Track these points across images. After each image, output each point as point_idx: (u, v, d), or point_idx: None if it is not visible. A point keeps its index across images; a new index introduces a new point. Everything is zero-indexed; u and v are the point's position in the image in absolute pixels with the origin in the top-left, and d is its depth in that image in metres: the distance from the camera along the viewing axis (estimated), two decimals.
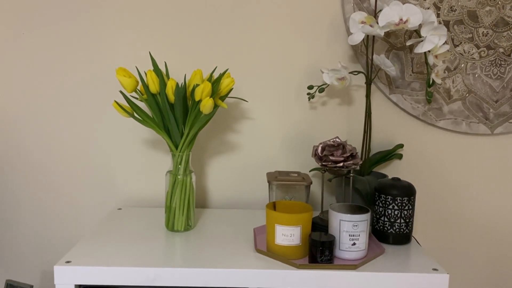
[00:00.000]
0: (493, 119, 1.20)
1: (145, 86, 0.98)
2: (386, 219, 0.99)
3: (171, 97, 0.98)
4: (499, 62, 1.18)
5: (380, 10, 1.02)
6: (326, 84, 1.12)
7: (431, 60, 1.03)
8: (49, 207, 1.24)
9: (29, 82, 1.19)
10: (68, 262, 0.86)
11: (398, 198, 0.98)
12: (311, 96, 1.16)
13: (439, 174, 1.24)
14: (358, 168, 1.14)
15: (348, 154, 0.99)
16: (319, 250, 0.86)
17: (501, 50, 1.17)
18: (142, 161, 1.23)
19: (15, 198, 1.24)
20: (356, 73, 1.13)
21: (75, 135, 1.21)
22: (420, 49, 1.01)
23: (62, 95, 1.20)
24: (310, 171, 1.22)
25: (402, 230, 0.99)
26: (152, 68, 1.01)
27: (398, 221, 0.98)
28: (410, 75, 1.19)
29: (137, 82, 0.99)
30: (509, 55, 1.18)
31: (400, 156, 1.23)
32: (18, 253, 1.26)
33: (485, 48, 1.17)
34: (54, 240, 1.25)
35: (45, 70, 1.19)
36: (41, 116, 1.21)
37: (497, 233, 1.27)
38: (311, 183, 1.06)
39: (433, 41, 1.00)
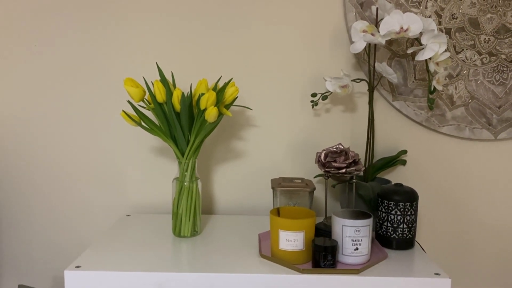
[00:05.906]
0: (496, 124, 1.21)
1: (152, 95, 1.01)
2: (389, 225, 1.00)
3: (177, 106, 1.00)
4: (502, 68, 1.19)
5: (382, 19, 1.04)
6: (329, 91, 1.14)
7: (432, 67, 1.04)
8: (59, 213, 1.27)
9: (40, 92, 1.23)
10: (78, 267, 0.88)
11: (401, 203, 0.99)
12: (314, 104, 1.17)
13: (443, 180, 1.25)
14: (361, 174, 1.15)
15: (351, 161, 1.00)
16: (322, 255, 0.88)
17: (503, 56, 1.18)
18: (150, 169, 1.25)
19: (27, 204, 1.27)
20: (358, 80, 1.15)
21: (84, 144, 1.24)
22: (421, 56, 1.02)
23: (72, 105, 1.23)
24: (314, 177, 1.24)
25: (405, 235, 1.00)
26: (159, 78, 1.04)
27: (401, 226, 1.00)
28: (413, 82, 1.20)
29: (144, 92, 1.02)
30: (511, 61, 1.19)
31: (403, 162, 1.24)
32: (30, 258, 1.29)
33: (487, 55, 1.18)
34: (64, 245, 1.28)
35: (56, 80, 1.22)
36: (51, 125, 1.24)
37: (501, 239, 1.28)
38: (315, 189, 1.07)
39: (434, 48, 1.01)
